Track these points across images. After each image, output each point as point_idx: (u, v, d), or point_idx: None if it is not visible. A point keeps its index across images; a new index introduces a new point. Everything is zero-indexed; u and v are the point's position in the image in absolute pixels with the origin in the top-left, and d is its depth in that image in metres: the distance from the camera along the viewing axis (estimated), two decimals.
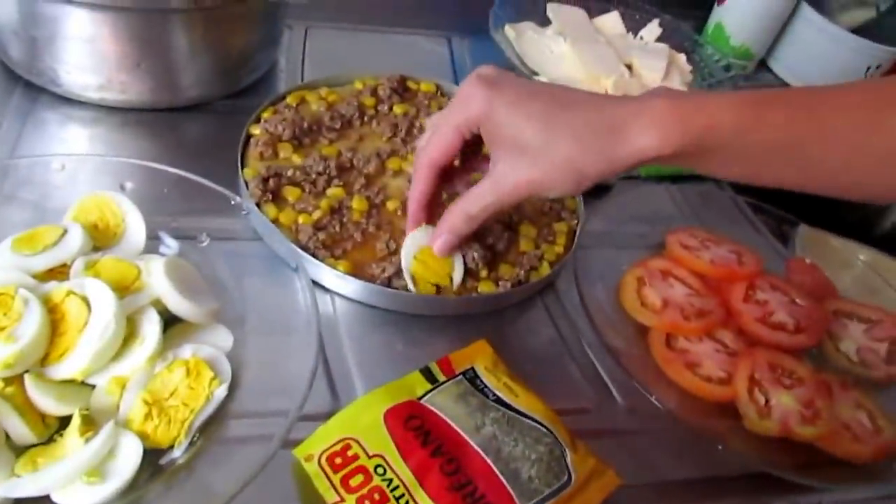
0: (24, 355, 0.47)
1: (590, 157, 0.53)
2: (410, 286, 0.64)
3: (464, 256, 0.66)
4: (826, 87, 0.53)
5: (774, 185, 0.55)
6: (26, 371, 0.48)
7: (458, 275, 0.65)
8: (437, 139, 0.59)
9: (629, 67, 1.01)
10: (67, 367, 0.49)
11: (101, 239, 0.59)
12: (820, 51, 1.14)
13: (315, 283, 0.65)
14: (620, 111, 0.53)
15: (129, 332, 0.52)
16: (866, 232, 0.98)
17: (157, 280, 0.54)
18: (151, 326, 0.52)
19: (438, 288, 0.65)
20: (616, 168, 0.53)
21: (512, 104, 0.55)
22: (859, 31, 1.12)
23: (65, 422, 0.49)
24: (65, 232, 0.57)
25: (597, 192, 0.85)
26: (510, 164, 0.56)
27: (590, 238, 0.76)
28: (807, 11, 1.13)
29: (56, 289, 0.52)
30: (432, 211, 0.64)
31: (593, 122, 0.53)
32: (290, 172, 0.70)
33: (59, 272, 0.56)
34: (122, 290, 0.53)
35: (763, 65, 1.23)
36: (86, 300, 0.51)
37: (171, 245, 0.62)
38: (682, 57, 1.08)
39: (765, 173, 0.54)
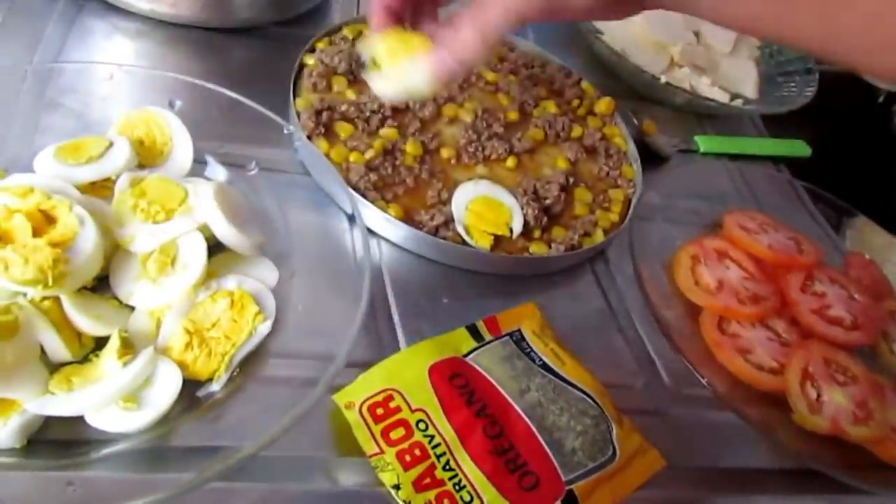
0: (78, 273, 0.45)
1: None
2: (465, 236, 0.61)
3: (521, 207, 0.64)
4: None
5: (793, 38, 0.48)
6: None
7: (517, 224, 0.63)
8: None
9: (696, 35, 0.96)
10: None
11: (146, 156, 0.56)
12: None
13: None
14: None
15: (172, 257, 0.50)
16: None
17: (206, 204, 0.51)
18: (196, 252, 0.50)
19: (496, 238, 0.62)
20: None
21: None
22: None
23: (100, 343, 0.46)
24: (110, 145, 0.54)
25: (654, 163, 0.82)
26: None
27: (645, 209, 0.73)
28: None
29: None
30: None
31: None
32: (343, 108, 0.67)
33: (102, 186, 0.53)
34: (168, 211, 0.51)
35: None
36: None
37: (217, 170, 0.59)
38: None
39: (785, 19, 0.47)
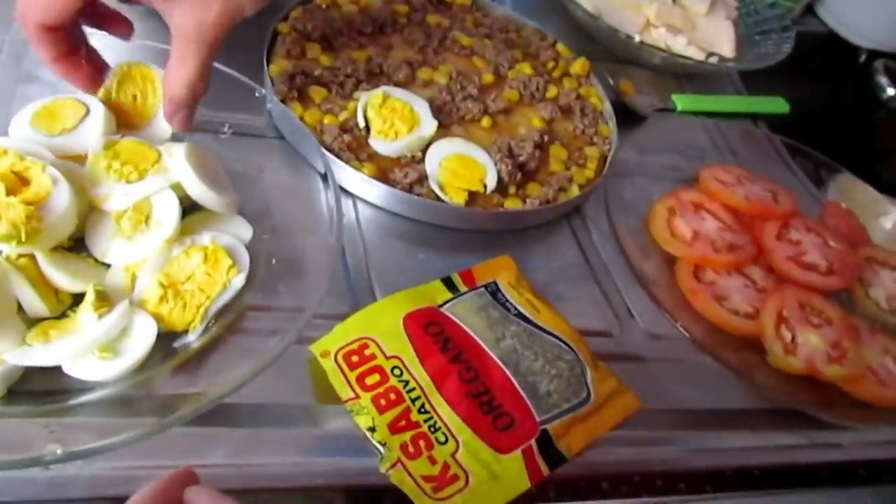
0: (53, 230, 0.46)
1: None
2: (439, 193, 0.62)
3: (495, 163, 0.64)
4: None
5: None
6: None
7: (491, 180, 0.63)
8: None
9: None
10: None
11: (133, 115, 0.56)
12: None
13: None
14: None
15: (146, 215, 0.50)
16: None
17: (178, 164, 0.52)
18: (169, 209, 0.50)
19: (472, 195, 0.63)
20: None
21: None
22: None
23: (77, 301, 0.47)
24: (87, 113, 0.54)
25: (631, 122, 0.82)
26: (187, 8, 0.48)
27: (621, 166, 0.73)
28: None
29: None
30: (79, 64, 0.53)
31: None
32: (317, 72, 0.68)
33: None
34: (142, 171, 0.52)
35: (810, 10, 1.18)
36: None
37: (193, 138, 0.59)
38: None
39: None
